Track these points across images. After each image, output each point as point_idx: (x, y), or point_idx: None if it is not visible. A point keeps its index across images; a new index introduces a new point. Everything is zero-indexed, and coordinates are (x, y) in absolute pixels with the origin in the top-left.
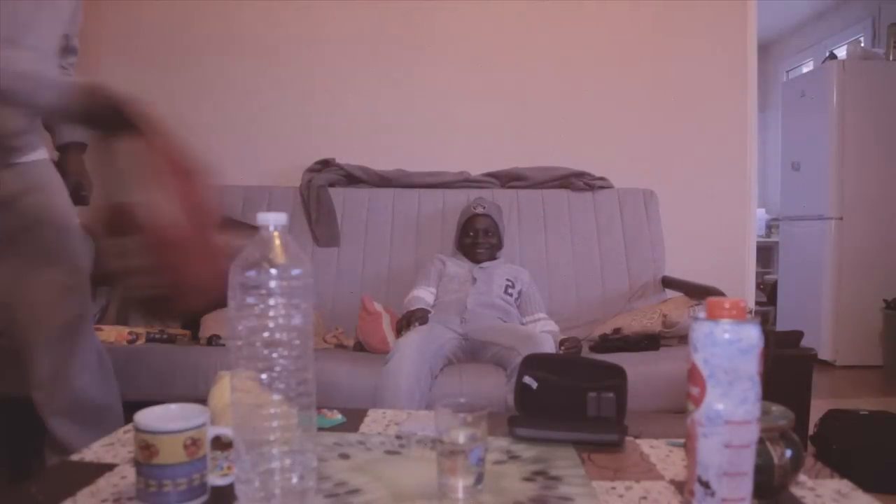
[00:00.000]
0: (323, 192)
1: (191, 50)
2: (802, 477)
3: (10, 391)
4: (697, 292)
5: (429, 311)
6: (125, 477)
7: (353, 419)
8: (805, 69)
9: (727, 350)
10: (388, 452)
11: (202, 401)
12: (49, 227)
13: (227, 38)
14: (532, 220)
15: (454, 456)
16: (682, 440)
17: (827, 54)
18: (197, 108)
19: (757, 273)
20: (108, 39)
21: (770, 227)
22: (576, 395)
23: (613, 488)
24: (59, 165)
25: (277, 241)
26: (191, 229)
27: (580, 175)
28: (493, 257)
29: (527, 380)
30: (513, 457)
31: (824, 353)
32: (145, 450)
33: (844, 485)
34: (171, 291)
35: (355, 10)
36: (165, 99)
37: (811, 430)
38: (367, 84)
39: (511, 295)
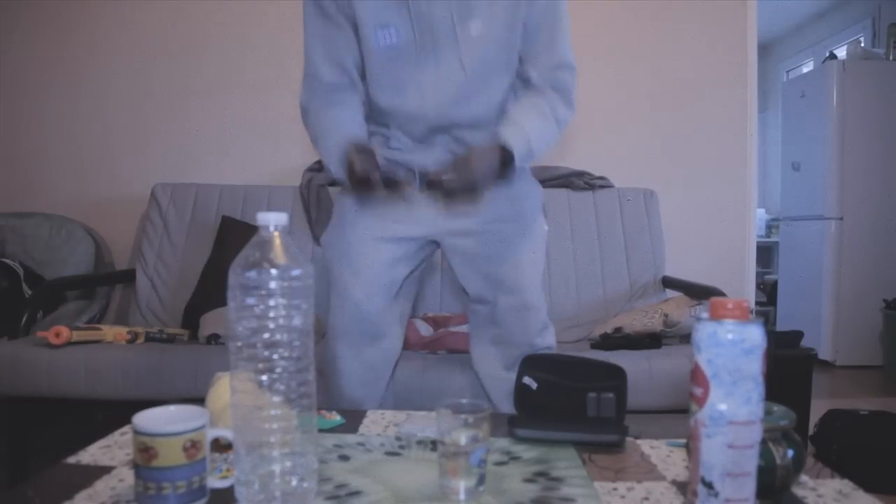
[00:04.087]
0: (323, 191)
1: (191, 49)
2: (804, 477)
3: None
4: (698, 292)
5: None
6: (123, 480)
7: (352, 420)
8: (805, 69)
9: (731, 350)
10: (389, 454)
11: (201, 400)
12: None
13: (228, 37)
14: None
15: (456, 457)
16: (682, 440)
17: (827, 54)
18: (198, 108)
19: (757, 273)
20: (109, 38)
21: (770, 227)
22: (576, 396)
23: (615, 489)
24: None
25: (278, 242)
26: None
27: (580, 175)
28: None
29: (527, 380)
30: (513, 458)
31: (824, 353)
32: (144, 452)
33: (846, 485)
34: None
35: None
36: (166, 98)
37: (811, 430)
38: None
39: None
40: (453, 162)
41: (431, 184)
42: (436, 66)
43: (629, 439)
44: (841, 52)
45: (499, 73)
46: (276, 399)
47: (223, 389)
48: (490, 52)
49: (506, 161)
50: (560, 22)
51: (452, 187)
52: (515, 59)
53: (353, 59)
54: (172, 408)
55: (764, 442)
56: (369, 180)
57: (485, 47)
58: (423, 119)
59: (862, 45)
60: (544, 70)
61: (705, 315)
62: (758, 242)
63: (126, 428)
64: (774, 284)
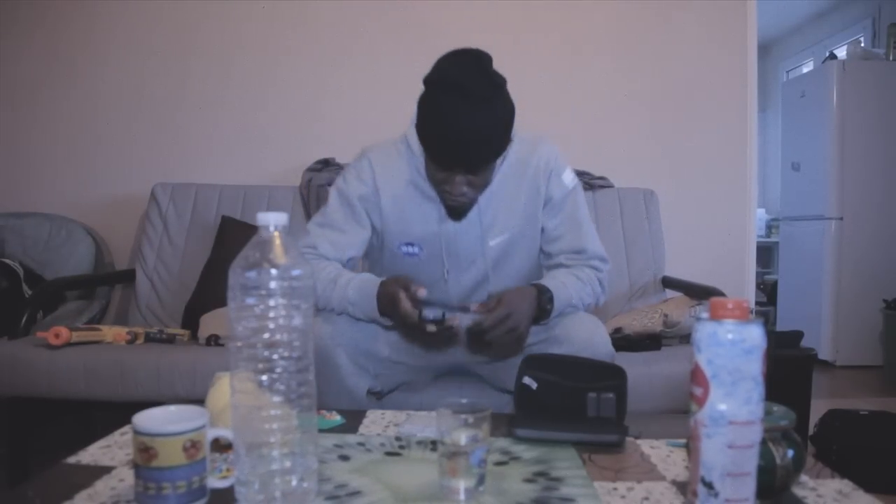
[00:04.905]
0: (323, 191)
1: (192, 49)
2: (804, 477)
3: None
4: (698, 292)
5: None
6: (123, 480)
7: (352, 420)
8: (805, 69)
9: (731, 350)
10: (389, 454)
11: (200, 400)
12: None
13: (228, 37)
14: None
15: (456, 457)
16: (682, 440)
17: (827, 54)
18: (198, 107)
19: (757, 273)
20: (111, 37)
21: (770, 227)
22: (576, 396)
23: (615, 489)
24: None
25: (278, 242)
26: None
27: (580, 175)
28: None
29: (527, 380)
30: (513, 458)
31: (824, 353)
32: (144, 452)
33: (846, 485)
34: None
35: (354, 9)
36: (166, 98)
37: (811, 430)
38: (367, 83)
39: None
40: (488, 303)
41: (473, 332)
42: (458, 271)
43: (629, 439)
44: (841, 52)
45: (522, 262)
46: (276, 399)
47: (223, 389)
48: (513, 257)
49: (542, 305)
50: (580, 222)
51: (495, 337)
52: (538, 245)
53: (356, 253)
54: (172, 408)
55: (764, 442)
56: (416, 323)
57: (508, 254)
58: (442, 291)
59: (862, 45)
60: (577, 262)
61: (705, 315)
62: (758, 242)
63: (126, 428)
64: (774, 284)
